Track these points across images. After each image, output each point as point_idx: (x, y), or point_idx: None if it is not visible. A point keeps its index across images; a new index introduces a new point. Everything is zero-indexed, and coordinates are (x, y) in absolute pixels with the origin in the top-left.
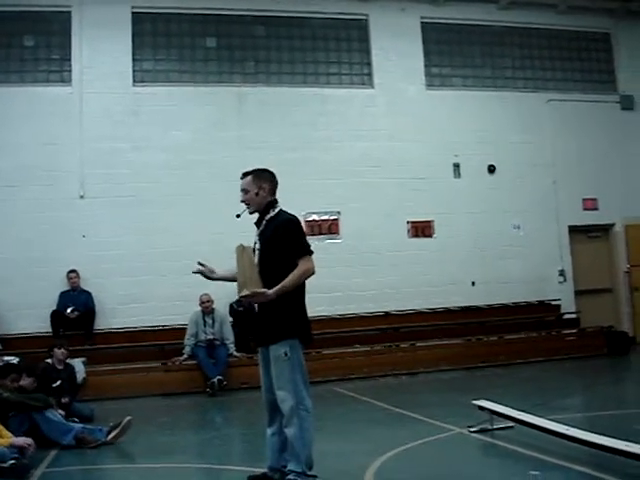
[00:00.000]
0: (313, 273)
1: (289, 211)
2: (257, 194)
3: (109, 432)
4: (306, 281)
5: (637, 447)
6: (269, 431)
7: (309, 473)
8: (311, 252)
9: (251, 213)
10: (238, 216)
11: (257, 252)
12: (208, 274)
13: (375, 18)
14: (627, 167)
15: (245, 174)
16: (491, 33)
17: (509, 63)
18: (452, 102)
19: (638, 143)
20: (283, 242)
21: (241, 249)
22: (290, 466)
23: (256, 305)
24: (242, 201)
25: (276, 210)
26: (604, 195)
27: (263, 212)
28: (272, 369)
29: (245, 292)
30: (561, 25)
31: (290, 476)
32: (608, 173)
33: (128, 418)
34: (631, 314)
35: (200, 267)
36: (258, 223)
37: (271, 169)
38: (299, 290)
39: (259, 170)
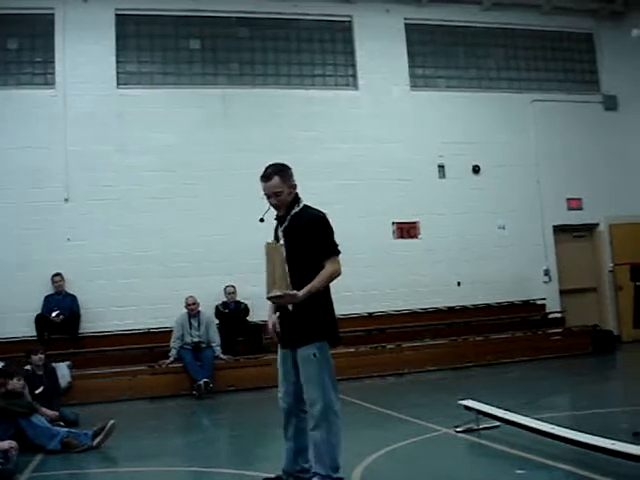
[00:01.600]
0: (339, 274)
1: (275, 212)
2: (289, 194)
3: (94, 436)
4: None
5: (623, 445)
6: (286, 436)
7: (335, 476)
8: (339, 252)
9: (282, 215)
10: (262, 220)
11: (282, 248)
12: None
13: (359, 19)
14: (611, 167)
15: (267, 177)
16: (475, 34)
17: (493, 64)
18: (436, 103)
19: (621, 143)
20: (312, 240)
21: (273, 246)
22: (315, 468)
23: (290, 305)
24: (273, 205)
25: (301, 205)
26: (588, 195)
27: (288, 208)
28: (301, 372)
29: (275, 292)
30: (544, 26)
31: (315, 478)
32: (592, 173)
33: (112, 421)
34: (616, 313)
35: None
36: (281, 219)
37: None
38: (326, 290)
39: (279, 168)
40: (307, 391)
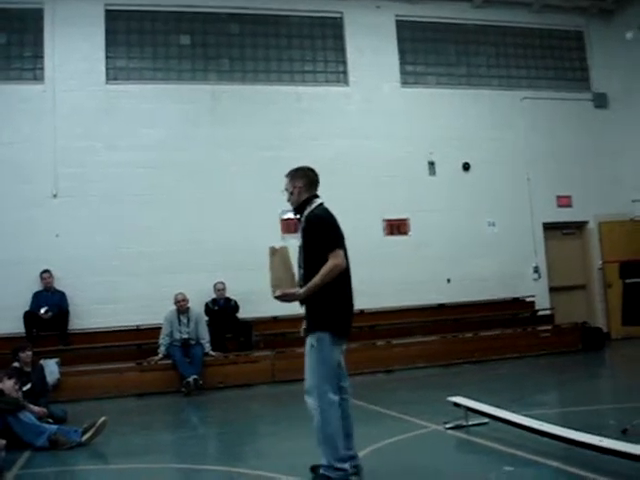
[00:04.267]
0: (341, 268)
1: (265, 209)
2: (292, 193)
3: (83, 433)
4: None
5: (610, 442)
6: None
7: (338, 466)
8: (338, 247)
9: (293, 211)
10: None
11: (298, 249)
12: None
13: (350, 16)
14: (600, 164)
15: (286, 175)
16: (465, 31)
17: (483, 61)
18: (427, 100)
19: (611, 141)
20: (315, 238)
21: (273, 251)
22: (322, 459)
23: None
24: (288, 201)
25: (312, 207)
26: (578, 192)
27: (298, 210)
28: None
29: (277, 293)
30: (535, 23)
31: (321, 470)
32: (582, 170)
33: (103, 418)
34: (605, 310)
35: None
36: (299, 220)
37: (309, 167)
38: (336, 283)
39: (294, 169)
40: (306, 379)
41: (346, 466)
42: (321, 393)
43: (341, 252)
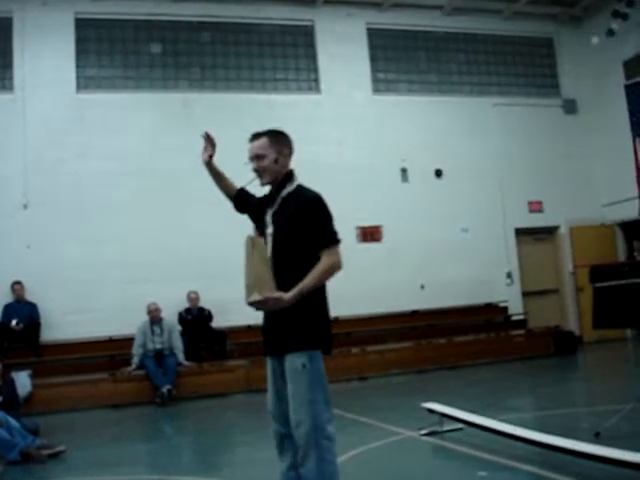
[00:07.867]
0: (340, 268)
1: (238, 217)
2: (276, 161)
3: (40, 447)
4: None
5: (584, 445)
6: (283, 465)
7: None
8: (338, 241)
9: (264, 185)
10: (241, 189)
11: (270, 238)
12: (210, 150)
13: (321, 24)
14: (571, 170)
15: (256, 135)
16: (436, 38)
17: (454, 68)
18: (398, 107)
19: (581, 146)
20: (306, 226)
21: (251, 242)
22: None
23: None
24: (255, 170)
25: (294, 185)
26: (549, 198)
27: (279, 186)
28: (288, 385)
29: (256, 297)
30: (505, 31)
31: None
32: (552, 176)
33: (62, 447)
34: (577, 314)
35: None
36: (270, 200)
37: None
38: (322, 288)
39: (275, 131)
40: (293, 410)
41: None
42: (320, 424)
43: (339, 249)
